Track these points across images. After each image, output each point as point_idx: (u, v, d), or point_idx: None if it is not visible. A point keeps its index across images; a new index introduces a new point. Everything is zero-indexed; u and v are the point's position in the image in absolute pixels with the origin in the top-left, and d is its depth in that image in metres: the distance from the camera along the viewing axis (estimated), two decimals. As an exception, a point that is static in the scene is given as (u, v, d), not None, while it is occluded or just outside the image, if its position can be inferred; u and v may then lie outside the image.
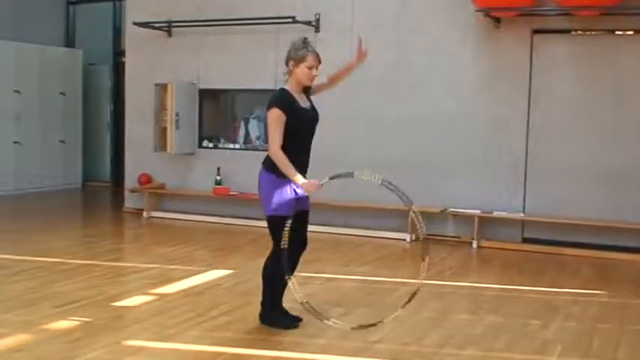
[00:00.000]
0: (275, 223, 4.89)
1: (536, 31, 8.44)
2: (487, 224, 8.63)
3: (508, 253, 8.24)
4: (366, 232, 9.01)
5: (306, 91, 5.09)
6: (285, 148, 4.79)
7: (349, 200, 9.04)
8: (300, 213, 4.96)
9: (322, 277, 6.67)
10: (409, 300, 4.85)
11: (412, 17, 8.98)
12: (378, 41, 8.81)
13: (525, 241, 8.53)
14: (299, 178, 4.74)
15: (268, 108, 4.88)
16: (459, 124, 8.75)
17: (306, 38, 5.06)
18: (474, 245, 8.45)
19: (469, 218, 8.56)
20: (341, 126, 9.08)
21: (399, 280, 6.74)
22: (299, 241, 5.05)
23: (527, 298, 6.25)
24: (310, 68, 4.91)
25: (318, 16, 9.46)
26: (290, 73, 4.98)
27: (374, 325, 4.87)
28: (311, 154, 5.08)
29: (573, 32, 8.39)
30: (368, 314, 5.40)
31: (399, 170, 9.01)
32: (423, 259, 4.87)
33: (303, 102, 5.00)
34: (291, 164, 4.75)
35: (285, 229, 4.70)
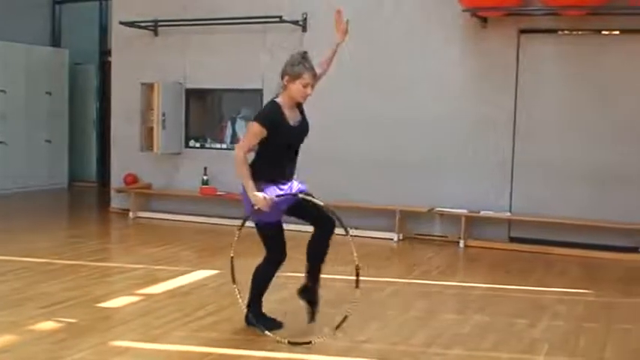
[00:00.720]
0: (263, 230, 4.87)
1: (522, 31, 8.46)
2: (474, 224, 8.65)
3: (495, 252, 8.26)
4: (353, 231, 8.98)
5: (299, 104, 4.95)
6: (268, 156, 4.79)
7: (336, 200, 9.03)
8: (297, 204, 4.83)
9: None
10: (338, 326, 4.75)
11: (400, 17, 8.98)
12: (366, 41, 8.83)
13: (512, 240, 8.55)
14: (251, 190, 4.65)
15: (254, 118, 4.84)
16: (446, 123, 8.76)
17: (305, 52, 4.88)
18: (461, 244, 8.46)
19: (456, 217, 8.58)
20: (330, 126, 9.07)
21: (385, 279, 6.74)
22: (321, 225, 4.93)
23: (514, 298, 6.27)
24: (305, 86, 4.76)
25: (305, 16, 9.44)
26: (284, 87, 4.81)
27: (308, 343, 4.71)
28: (306, 154, 5.09)
29: (560, 32, 8.42)
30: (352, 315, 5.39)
31: (387, 170, 9.07)
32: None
33: (292, 118, 4.85)
34: (248, 175, 4.67)
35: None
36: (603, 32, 8.28)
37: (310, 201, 4.79)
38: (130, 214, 10.22)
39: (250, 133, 4.78)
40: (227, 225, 9.45)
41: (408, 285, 6.62)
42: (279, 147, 4.81)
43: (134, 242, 8.77)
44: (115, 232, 9.76)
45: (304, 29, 9.45)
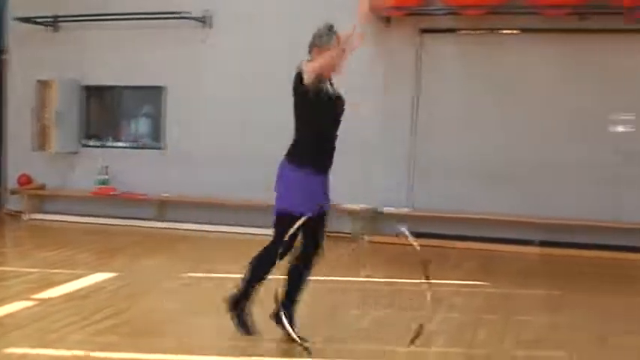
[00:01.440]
0: (286, 220, 4.42)
1: (424, 31, 8.60)
2: (376, 220, 8.74)
3: (397, 247, 8.34)
4: (258, 230, 8.94)
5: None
6: (310, 136, 4.53)
7: (239, 198, 8.97)
8: (320, 214, 4.57)
9: (216, 277, 6.56)
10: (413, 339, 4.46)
11: (303, 16, 8.96)
12: (270, 38, 8.80)
13: (413, 235, 8.66)
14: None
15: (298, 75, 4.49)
16: (350, 121, 8.79)
17: (332, 25, 4.58)
18: (364, 240, 8.52)
19: (359, 214, 8.64)
20: (237, 123, 9.01)
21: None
22: (312, 245, 4.65)
23: (411, 291, 6.35)
24: (338, 58, 4.44)
25: (208, 12, 9.32)
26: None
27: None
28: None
29: (460, 31, 8.60)
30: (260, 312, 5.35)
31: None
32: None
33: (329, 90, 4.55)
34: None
35: (295, 226, 4.33)
36: (503, 31, 8.50)
37: (324, 220, 4.54)
38: (24, 216, 9.84)
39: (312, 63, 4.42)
40: (124, 225, 9.25)
41: (312, 282, 6.60)
42: (325, 120, 4.52)
43: (28, 245, 8.45)
44: (9, 235, 9.37)
45: (208, 26, 9.32)
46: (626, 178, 8.18)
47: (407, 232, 4.50)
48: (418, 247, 4.42)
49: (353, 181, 8.76)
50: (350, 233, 8.75)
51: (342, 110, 4.67)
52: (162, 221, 9.35)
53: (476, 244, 8.27)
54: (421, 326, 4.37)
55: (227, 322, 4.84)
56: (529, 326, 5.36)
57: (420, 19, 8.54)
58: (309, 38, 9.17)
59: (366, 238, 8.58)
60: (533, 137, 8.39)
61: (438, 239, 8.43)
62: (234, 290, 4.74)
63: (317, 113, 4.48)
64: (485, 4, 8.12)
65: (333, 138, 4.65)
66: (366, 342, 4.87)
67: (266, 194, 8.79)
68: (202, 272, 6.53)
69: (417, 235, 8.59)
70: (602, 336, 5.08)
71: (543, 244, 8.19)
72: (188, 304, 5.48)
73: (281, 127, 8.99)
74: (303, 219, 4.35)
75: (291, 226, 4.35)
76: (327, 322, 5.29)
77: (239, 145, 9.18)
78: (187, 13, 9.20)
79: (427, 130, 8.64)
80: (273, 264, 4.57)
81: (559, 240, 8.21)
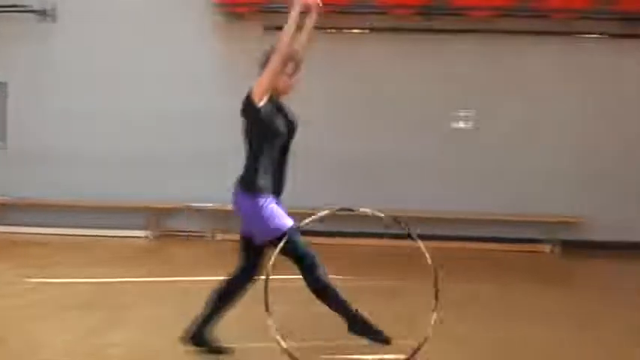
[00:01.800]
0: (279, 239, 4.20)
1: (269, 28, 8.67)
2: (227, 217, 8.74)
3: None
4: (101, 231, 8.74)
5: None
6: (265, 160, 4.31)
7: (77, 199, 8.74)
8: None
9: (58, 283, 6.37)
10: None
11: (152, 10, 8.86)
12: (115, 33, 8.62)
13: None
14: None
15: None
16: (198, 119, 8.76)
17: None
18: (214, 239, 8.51)
19: (208, 212, 8.62)
20: (75, 120, 8.75)
21: (136, 279, 6.63)
22: (252, 271, 4.50)
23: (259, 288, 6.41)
24: (291, 76, 4.29)
25: (52, 6, 8.99)
26: None
27: None
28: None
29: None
30: (104, 316, 5.26)
31: (138, 167, 8.88)
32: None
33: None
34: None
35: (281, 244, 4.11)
36: (354, 31, 8.70)
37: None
38: None
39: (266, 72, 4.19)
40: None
41: (160, 284, 6.55)
42: (277, 143, 4.28)
43: None
44: None
45: (53, 19, 8.99)
46: (462, 172, 8.63)
47: (415, 236, 4.36)
48: (429, 261, 4.27)
49: (202, 180, 8.73)
50: (202, 232, 8.69)
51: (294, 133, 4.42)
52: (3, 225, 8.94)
53: (317, 239, 8.43)
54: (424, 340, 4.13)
55: (72, 323, 4.72)
56: (372, 316, 5.49)
57: (267, 16, 8.59)
58: (156, 34, 9.09)
59: (219, 236, 8.57)
60: (398, 130, 8.67)
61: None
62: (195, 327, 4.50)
63: (270, 134, 4.29)
64: (333, 3, 8.28)
65: (283, 169, 4.44)
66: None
67: (108, 194, 8.74)
68: (46, 277, 6.32)
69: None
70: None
71: (387, 235, 8.49)
72: (31, 309, 5.31)
73: (128, 123, 8.90)
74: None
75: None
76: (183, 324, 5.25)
77: (85, 144, 8.93)
78: (29, 6, 8.84)
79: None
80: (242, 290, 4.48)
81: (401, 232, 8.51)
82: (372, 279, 6.91)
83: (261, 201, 4.27)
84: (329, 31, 8.68)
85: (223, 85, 8.74)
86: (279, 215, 4.28)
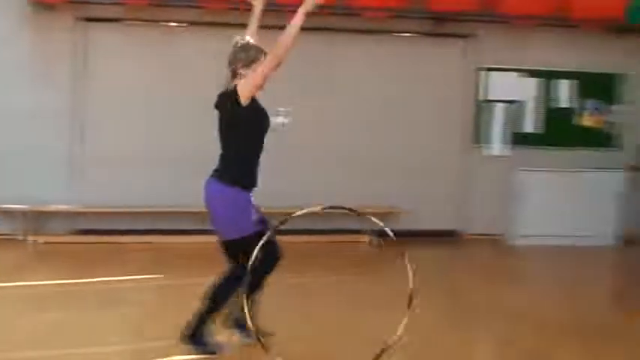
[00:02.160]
0: (251, 242, 4.23)
1: (88, 19, 8.33)
2: (41, 218, 8.29)
3: (66, 246, 8.03)
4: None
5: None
6: (246, 153, 4.46)
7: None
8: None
9: None
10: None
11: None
12: None
13: (82, 232, 8.41)
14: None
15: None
16: (20, 116, 8.20)
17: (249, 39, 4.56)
18: (29, 241, 8.04)
19: (20, 214, 8.13)
20: None
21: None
22: (274, 255, 4.57)
23: (86, 291, 6.18)
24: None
25: None
26: (243, 76, 4.38)
27: None
28: None
29: (126, 21, 8.44)
30: None
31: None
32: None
33: None
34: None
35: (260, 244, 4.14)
36: (170, 23, 8.50)
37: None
38: None
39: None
40: None
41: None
42: (260, 137, 4.48)
43: None
44: None
45: None
46: (277, 167, 8.75)
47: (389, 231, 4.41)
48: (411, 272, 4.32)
49: (11, 180, 8.20)
50: (14, 234, 8.17)
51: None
52: None
53: (147, 237, 8.27)
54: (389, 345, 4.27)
55: None
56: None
57: (84, 7, 8.23)
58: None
59: (30, 239, 8.08)
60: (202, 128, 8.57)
61: (109, 235, 8.28)
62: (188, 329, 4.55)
63: (254, 130, 4.48)
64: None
65: (258, 162, 4.60)
66: (40, 348, 4.62)
67: None
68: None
69: (87, 232, 8.45)
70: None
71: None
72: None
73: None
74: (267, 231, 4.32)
75: (257, 244, 4.16)
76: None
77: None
78: None
79: (93, 123, 8.39)
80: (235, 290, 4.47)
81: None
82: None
83: (243, 196, 4.42)
84: (140, 22, 8.45)
85: (32, 78, 8.26)
86: (251, 217, 4.44)
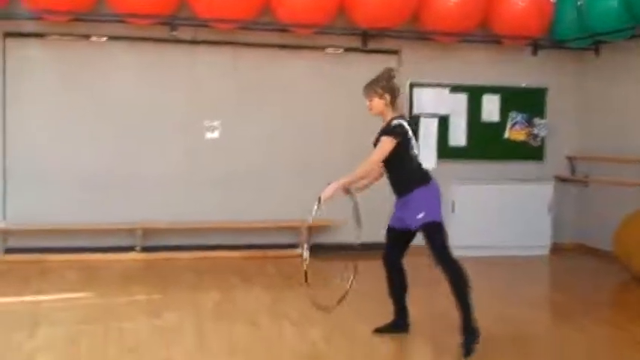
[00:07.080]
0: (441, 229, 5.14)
1: (9, 34, 8.15)
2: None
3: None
4: None
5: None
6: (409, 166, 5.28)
7: None
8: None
9: None
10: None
11: None
12: None
13: (8, 251, 8.19)
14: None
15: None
16: None
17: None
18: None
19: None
20: None
21: None
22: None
23: (10, 311, 6.01)
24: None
25: None
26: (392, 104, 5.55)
27: None
28: None
29: (49, 36, 8.27)
30: None
31: None
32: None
33: None
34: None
35: None
36: (92, 38, 8.39)
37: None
38: None
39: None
40: None
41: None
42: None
43: None
44: None
45: None
46: (211, 182, 8.71)
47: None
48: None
49: None
50: None
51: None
52: None
53: (75, 256, 8.11)
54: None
55: None
56: (128, 333, 5.39)
57: (4, 23, 8.04)
58: None
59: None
60: (126, 141, 8.49)
61: (36, 253, 8.09)
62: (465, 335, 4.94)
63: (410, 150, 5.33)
64: (71, 11, 7.93)
65: None
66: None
67: None
68: None
69: (13, 251, 8.22)
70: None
71: (145, 249, 8.33)
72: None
73: None
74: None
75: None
76: None
77: None
78: None
79: (18, 138, 8.19)
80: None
81: (159, 244, 8.44)
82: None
83: (431, 189, 5.23)
84: (64, 37, 8.30)
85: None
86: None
